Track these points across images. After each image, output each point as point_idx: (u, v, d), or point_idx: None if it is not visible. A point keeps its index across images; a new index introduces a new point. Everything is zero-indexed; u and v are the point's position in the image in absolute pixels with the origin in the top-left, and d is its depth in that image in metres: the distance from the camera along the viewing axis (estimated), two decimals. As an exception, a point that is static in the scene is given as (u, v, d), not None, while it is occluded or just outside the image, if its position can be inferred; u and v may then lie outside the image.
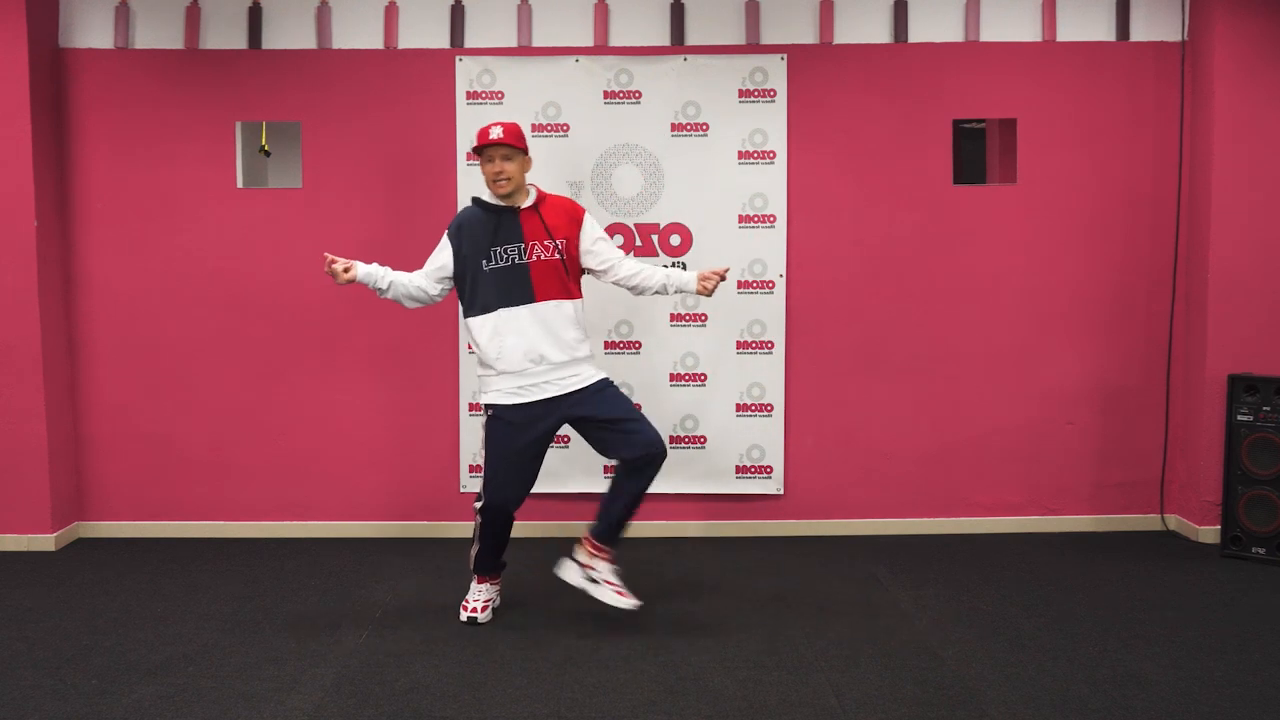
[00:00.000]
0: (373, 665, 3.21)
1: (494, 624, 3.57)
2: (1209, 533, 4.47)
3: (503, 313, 3.40)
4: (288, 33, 4.51)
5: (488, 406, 3.49)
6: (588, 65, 4.49)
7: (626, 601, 3.47)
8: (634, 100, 4.49)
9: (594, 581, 3.50)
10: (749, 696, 2.98)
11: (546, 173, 4.50)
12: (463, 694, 3.00)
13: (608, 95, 4.49)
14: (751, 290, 4.55)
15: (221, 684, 3.07)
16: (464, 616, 3.57)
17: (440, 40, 4.52)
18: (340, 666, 3.19)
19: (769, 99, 4.50)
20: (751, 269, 4.54)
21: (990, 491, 4.66)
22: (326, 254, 3.46)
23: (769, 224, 4.52)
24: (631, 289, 3.56)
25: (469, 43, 4.52)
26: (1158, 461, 4.66)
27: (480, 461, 4.58)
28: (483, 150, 3.41)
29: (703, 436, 4.58)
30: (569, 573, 3.53)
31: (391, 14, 4.50)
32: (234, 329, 4.57)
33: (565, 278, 3.44)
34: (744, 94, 4.49)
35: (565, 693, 3.01)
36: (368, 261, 4.64)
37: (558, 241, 3.42)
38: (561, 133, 4.50)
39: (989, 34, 4.53)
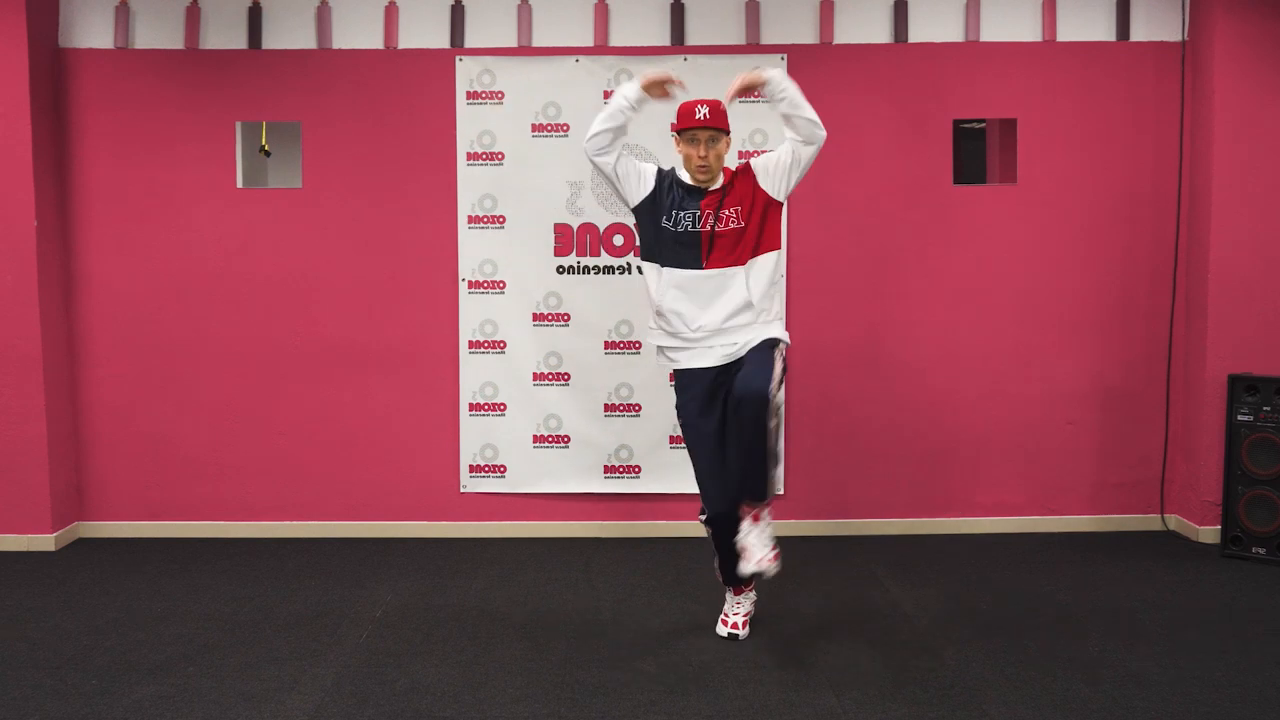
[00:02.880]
0: (373, 665, 3.21)
1: (494, 624, 3.56)
2: (1209, 533, 4.47)
3: (666, 273, 3.31)
4: (288, 33, 4.51)
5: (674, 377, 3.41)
6: (588, 65, 4.49)
7: (750, 566, 3.17)
8: (634, 100, 4.48)
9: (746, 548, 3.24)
10: (749, 696, 2.98)
11: (546, 173, 4.51)
12: (463, 694, 3.00)
13: (608, 95, 4.48)
14: (751, 290, 4.55)
15: (221, 684, 3.07)
16: (723, 632, 3.43)
17: (440, 40, 4.52)
18: (340, 666, 3.19)
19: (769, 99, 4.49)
20: (751, 269, 4.54)
21: (990, 491, 4.66)
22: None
23: (769, 224, 4.52)
24: (797, 131, 3.27)
25: (469, 43, 4.52)
26: (1158, 461, 4.66)
27: (480, 461, 4.62)
28: (684, 132, 3.27)
29: (703, 436, 4.58)
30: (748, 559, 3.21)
31: (391, 14, 4.50)
32: (234, 329, 4.57)
33: (737, 245, 3.28)
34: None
35: (565, 693, 3.01)
36: (371, 263, 4.66)
37: (734, 209, 3.28)
38: (561, 133, 4.50)
39: (989, 34, 4.53)
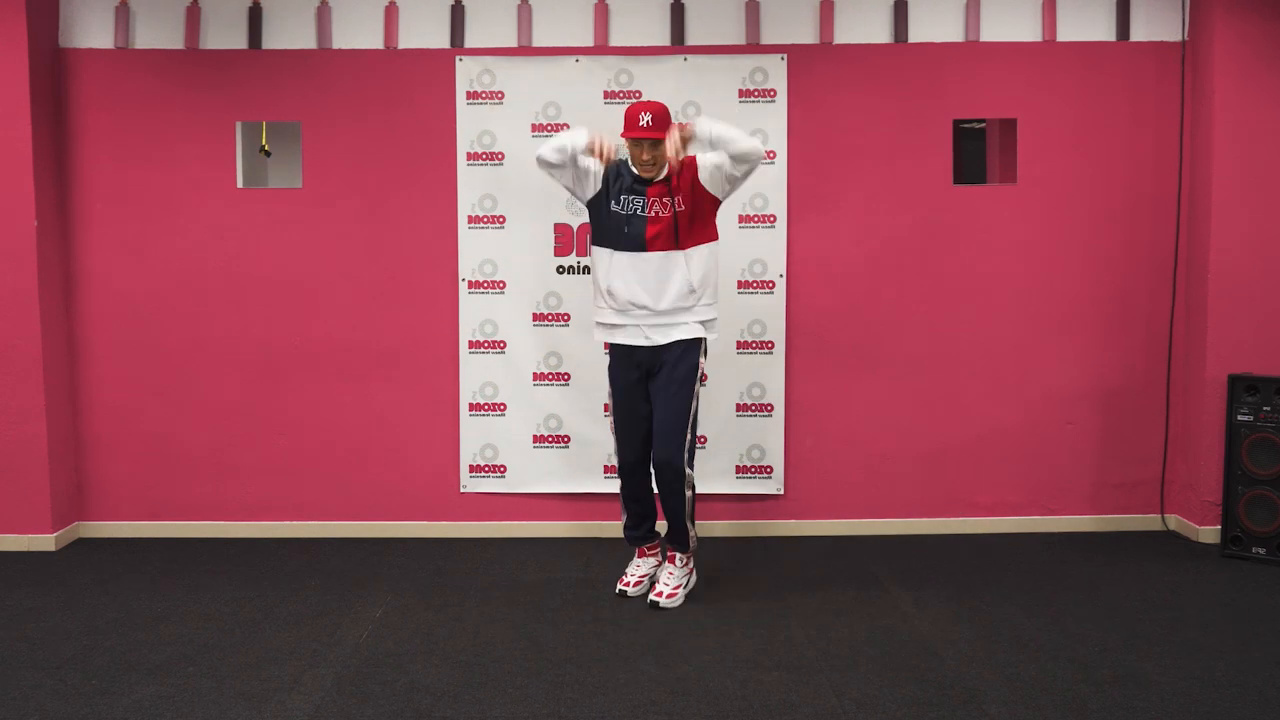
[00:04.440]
0: (373, 665, 3.21)
1: (494, 624, 3.57)
2: (1209, 533, 4.47)
3: (616, 256, 3.61)
4: (288, 33, 4.51)
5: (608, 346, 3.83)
6: (588, 65, 4.49)
7: (651, 595, 3.75)
8: (634, 100, 4.48)
9: (654, 581, 3.85)
10: (749, 696, 2.98)
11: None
12: (463, 694, 3.00)
13: (608, 95, 4.49)
14: (751, 290, 4.55)
15: (221, 684, 3.07)
16: (617, 589, 3.85)
17: (440, 40, 4.52)
18: (340, 666, 3.20)
19: (769, 99, 4.50)
20: (751, 269, 4.54)
21: (990, 491, 4.66)
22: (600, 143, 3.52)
23: (769, 224, 4.52)
24: (731, 158, 3.51)
25: (469, 43, 4.52)
26: (1158, 461, 4.66)
27: (480, 461, 4.62)
28: (628, 138, 3.55)
29: (703, 436, 4.58)
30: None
31: (391, 14, 4.50)
32: (234, 329, 4.57)
33: (679, 232, 3.57)
34: (744, 94, 4.49)
35: (565, 693, 3.01)
36: (371, 263, 4.66)
37: (679, 198, 3.56)
38: (561, 133, 4.50)
39: (989, 34, 4.53)
